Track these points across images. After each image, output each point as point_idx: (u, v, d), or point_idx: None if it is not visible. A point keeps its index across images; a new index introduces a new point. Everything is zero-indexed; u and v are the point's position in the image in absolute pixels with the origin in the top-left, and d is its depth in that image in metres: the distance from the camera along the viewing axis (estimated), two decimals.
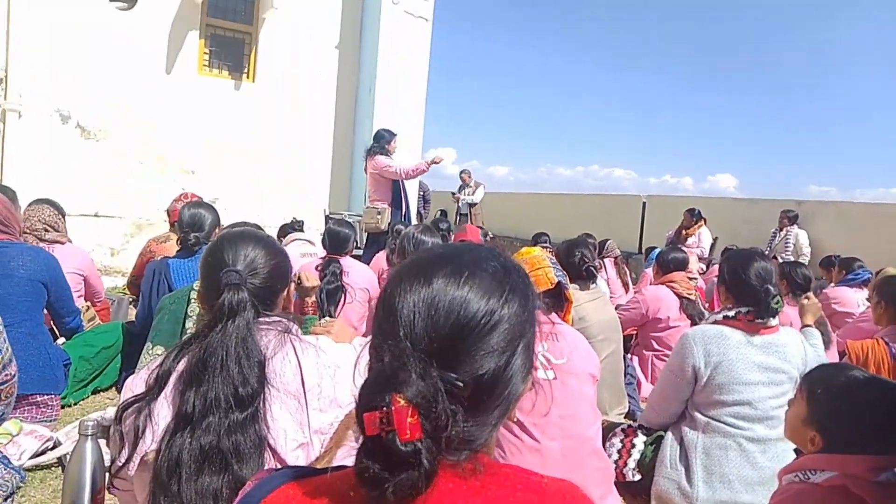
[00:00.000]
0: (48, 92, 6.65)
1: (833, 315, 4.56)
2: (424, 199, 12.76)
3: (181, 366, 1.30)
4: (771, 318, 2.39)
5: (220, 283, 1.36)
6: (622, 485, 2.50)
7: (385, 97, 7.79)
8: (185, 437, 1.22)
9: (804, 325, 2.88)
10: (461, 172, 12.00)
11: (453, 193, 12.04)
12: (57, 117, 6.75)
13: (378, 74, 7.74)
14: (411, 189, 7.35)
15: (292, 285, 1.64)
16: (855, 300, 4.79)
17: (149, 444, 1.26)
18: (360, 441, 0.71)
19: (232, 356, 1.27)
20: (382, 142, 6.36)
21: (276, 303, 1.52)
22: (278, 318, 1.45)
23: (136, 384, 1.36)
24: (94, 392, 3.23)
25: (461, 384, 0.70)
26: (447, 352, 0.72)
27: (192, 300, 2.17)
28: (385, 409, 0.66)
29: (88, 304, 3.53)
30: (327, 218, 7.28)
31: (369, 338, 1.60)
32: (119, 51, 6.95)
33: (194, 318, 2.15)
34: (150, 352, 2.21)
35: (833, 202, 8.97)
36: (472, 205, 11.37)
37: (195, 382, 1.26)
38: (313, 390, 1.35)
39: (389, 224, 6.13)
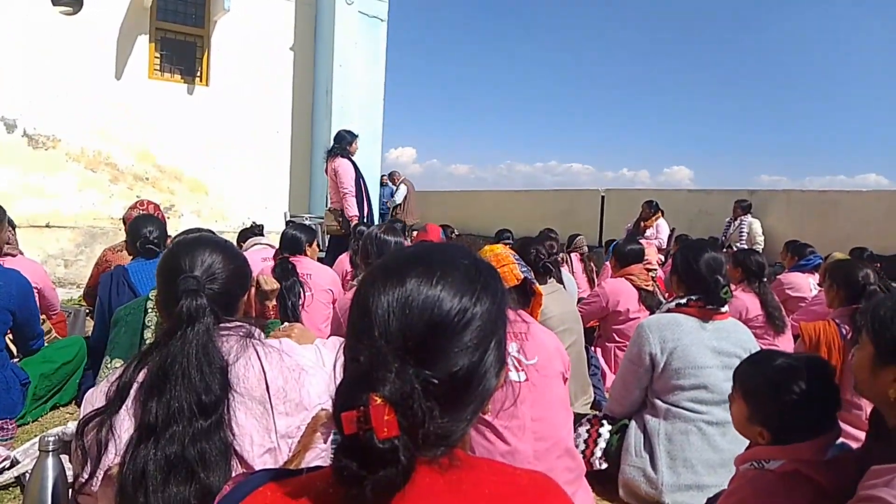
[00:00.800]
0: None
1: (787, 300, 4.71)
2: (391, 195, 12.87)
3: (141, 376, 1.28)
4: (721, 306, 2.47)
5: (178, 289, 1.34)
6: (590, 474, 2.55)
7: (342, 98, 7.75)
8: (149, 448, 1.20)
9: None
10: (390, 174, 12.16)
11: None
12: (2, 126, 6.54)
13: (334, 75, 7.70)
14: (373, 189, 7.32)
15: (253, 289, 1.63)
16: (807, 284, 4.96)
17: (112, 458, 1.24)
18: (336, 440, 0.72)
19: (193, 364, 1.25)
20: (343, 143, 6.31)
21: (236, 308, 1.51)
22: (239, 323, 1.44)
23: (95, 397, 1.34)
24: (54, 408, 3.15)
25: (436, 381, 0.72)
26: (422, 350, 0.73)
27: (150, 310, 2.12)
28: (362, 407, 0.68)
29: (44, 317, 3.44)
30: (288, 222, 7.21)
31: (334, 338, 1.61)
32: (66, 56, 6.77)
33: (152, 328, 2.11)
34: (109, 366, 2.15)
35: (784, 191, 9.24)
36: (395, 206, 11.43)
37: (157, 392, 1.24)
38: (278, 394, 1.34)
39: (351, 225, 6.09)
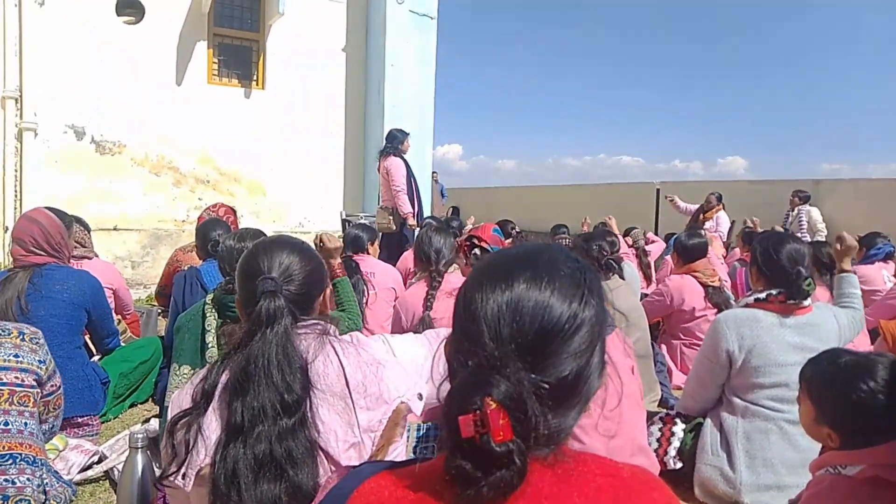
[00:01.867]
0: (62, 109, 6.72)
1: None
2: (441, 194, 12.89)
3: (225, 377, 1.31)
4: (803, 300, 2.38)
5: (257, 291, 1.36)
6: (664, 473, 2.51)
7: (394, 97, 7.80)
8: (237, 447, 1.23)
9: (841, 271, 2.77)
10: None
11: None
12: (72, 134, 6.81)
13: (386, 75, 7.74)
14: (424, 187, 7.35)
15: (328, 290, 1.65)
16: (881, 276, 4.75)
17: (202, 457, 1.27)
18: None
19: (274, 364, 1.27)
20: (395, 142, 6.37)
21: (313, 308, 1.52)
22: (315, 321, 1.46)
23: (182, 399, 1.37)
24: (132, 405, 3.27)
25: (547, 385, 0.73)
26: (533, 355, 0.74)
27: (207, 314, 2.18)
28: (478, 411, 0.69)
29: (119, 317, 3.58)
30: (344, 221, 7.31)
31: (406, 335, 1.60)
32: (129, 64, 6.99)
33: (212, 331, 2.16)
34: (178, 372, 2.22)
35: (850, 179, 8.91)
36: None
37: (240, 393, 1.27)
38: (358, 389, 1.35)
39: (407, 223, 6.15)
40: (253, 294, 1.37)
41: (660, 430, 2.57)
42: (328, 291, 1.64)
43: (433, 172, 13.01)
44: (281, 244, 1.53)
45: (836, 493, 1.40)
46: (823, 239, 7.38)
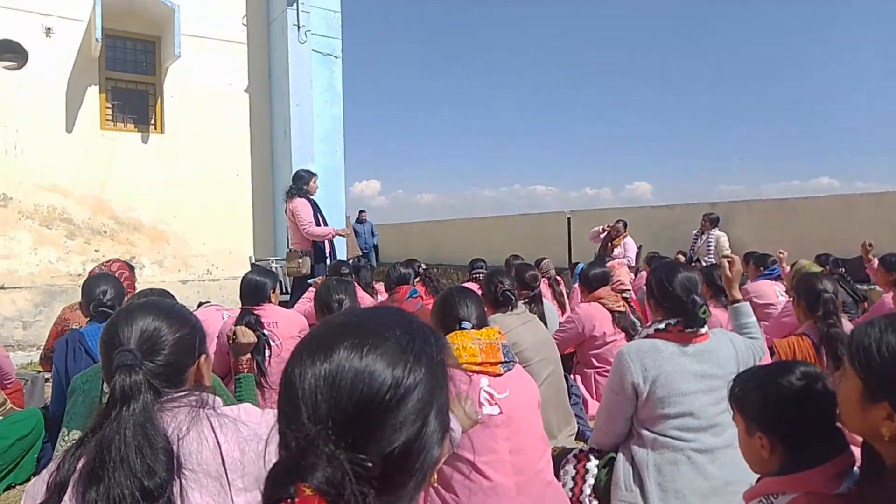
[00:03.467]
0: None
1: (755, 308, 4.70)
2: (372, 233, 12.80)
3: (81, 464, 1.18)
4: (700, 327, 2.43)
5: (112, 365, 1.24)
6: None
7: (301, 137, 7.68)
8: None
9: (733, 301, 2.83)
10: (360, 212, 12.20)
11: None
12: None
13: (292, 115, 7.62)
14: (336, 226, 7.23)
15: (203, 357, 1.50)
16: (773, 292, 5.01)
17: None
18: None
19: (131, 446, 1.15)
20: (301, 182, 6.22)
21: (184, 379, 1.40)
22: (188, 392, 1.33)
23: (37, 489, 1.23)
24: (8, 488, 2.94)
25: (370, 464, 0.67)
26: (353, 431, 0.68)
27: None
28: (290, 500, 0.64)
29: None
30: (253, 266, 7.06)
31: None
32: (13, 112, 6.60)
33: None
34: (66, 438, 2.04)
35: (744, 201, 9.42)
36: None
37: (94, 481, 1.13)
38: (235, 468, 1.24)
39: (314, 265, 6.00)
40: (111, 368, 1.25)
41: (574, 467, 2.54)
42: (202, 360, 1.50)
43: (361, 211, 12.92)
44: (146, 309, 1.40)
45: None
46: None
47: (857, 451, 1.37)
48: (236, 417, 1.32)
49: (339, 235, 6.36)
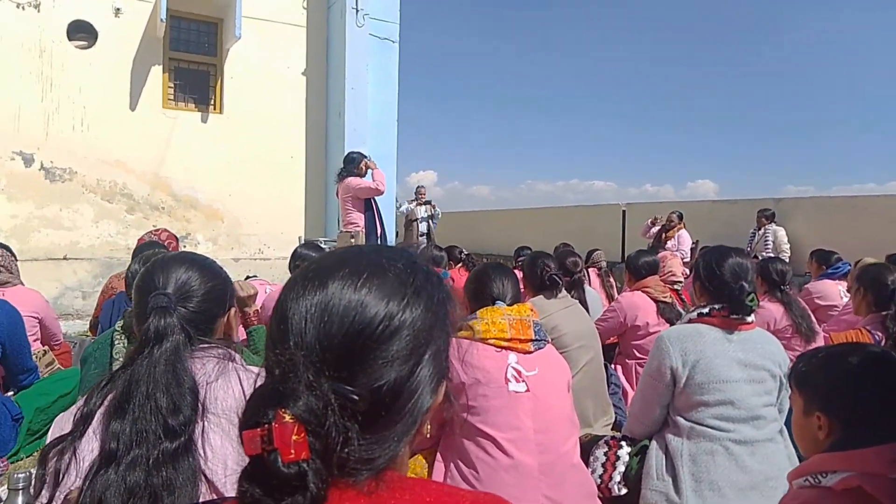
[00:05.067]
0: (9, 135, 6.53)
1: (817, 309, 4.50)
2: (433, 219, 12.27)
3: (110, 398, 1.21)
4: (747, 315, 2.30)
5: (148, 307, 1.28)
6: (609, 501, 2.38)
7: (355, 121, 7.72)
8: (109, 473, 1.13)
9: None
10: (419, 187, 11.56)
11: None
12: (20, 160, 6.61)
13: (346, 98, 7.66)
14: (386, 210, 7.25)
15: (233, 311, 1.54)
16: (836, 292, 4.74)
17: (72, 481, 1.17)
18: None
19: (160, 384, 1.18)
20: (352, 165, 6.27)
21: (213, 329, 1.44)
22: (216, 344, 1.37)
23: (64, 423, 1.28)
24: None
25: (356, 397, 0.63)
26: (342, 361, 0.65)
27: (116, 341, 2.04)
28: (267, 425, 0.60)
29: (46, 348, 3.37)
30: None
31: None
32: (82, 89, 6.85)
33: (120, 359, 2.02)
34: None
35: (810, 198, 9.01)
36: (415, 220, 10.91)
37: (120, 414, 1.17)
38: None
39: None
40: (146, 311, 1.30)
41: (605, 454, 2.45)
42: (233, 313, 1.54)
43: (419, 187, 12.48)
44: (180, 260, 1.45)
45: None
46: (787, 258, 7.39)
47: None
48: (261, 374, 1.33)
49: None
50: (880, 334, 2.61)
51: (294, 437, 0.59)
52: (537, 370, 2.13)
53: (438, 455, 2.11)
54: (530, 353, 2.16)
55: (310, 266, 0.75)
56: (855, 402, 1.30)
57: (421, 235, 10.88)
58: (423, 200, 11.04)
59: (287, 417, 0.60)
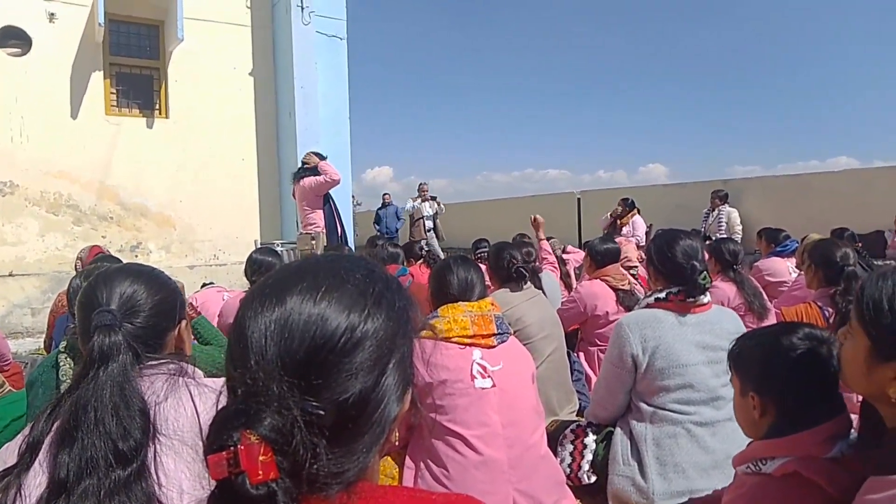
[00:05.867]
0: None
1: (767, 286, 4.63)
2: (398, 216, 12.33)
3: (56, 425, 1.15)
4: (702, 296, 2.35)
5: (91, 326, 1.22)
6: (579, 489, 2.42)
7: (306, 120, 7.61)
8: None
9: None
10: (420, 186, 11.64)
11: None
12: None
13: (296, 98, 7.54)
14: (344, 209, 7.18)
15: (184, 323, 1.48)
16: (786, 269, 4.89)
17: None
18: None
19: (107, 407, 1.12)
20: (309, 166, 6.19)
21: (164, 344, 1.38)
22: (167, 360, 1.31)
23: (8, 454, 1.20)
24: None
25: (322, 412, 0.62)
26: (304, 376, 0.64)
27: (62, 363, 1.97)
28: (233, 448, 0.59)
29: None
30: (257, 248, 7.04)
31: None
32: (18, 99, 6.59)
33: (67, 381, 1.95)
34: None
35: (758, 178, 9.25)
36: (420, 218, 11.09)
37: (68, 442, 1.10)
38: None
39: (326, 247, 5.96)
40: (90, 329, 1.22)
41: (572, 443, 2.48)
42: (184, 325, 1.48)
43: (385, 194, 12.56)
44: (124, 272, 1.39)
45: (757, 497, 1.28)
46: (739, 238, 7.58)
47: (854, 418, 1.30)
48: (217, 388, 1.29)
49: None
50: (830, 309, 2.70)
51: (261, 458, 0.58)
52: (502, 364, 2.14)
53: (408, 456, 2.10)
54: (494, 347, 2.18)
55: (266, 281, 0.73)
56: (787, 384, 1.33)
57: (427, 231, 11.05)
58: (427, 197, 11.15)
59: (253, 438, 0.59)
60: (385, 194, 12.85)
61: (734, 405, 1.50)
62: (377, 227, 12.16)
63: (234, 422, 0.61)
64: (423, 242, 8.62)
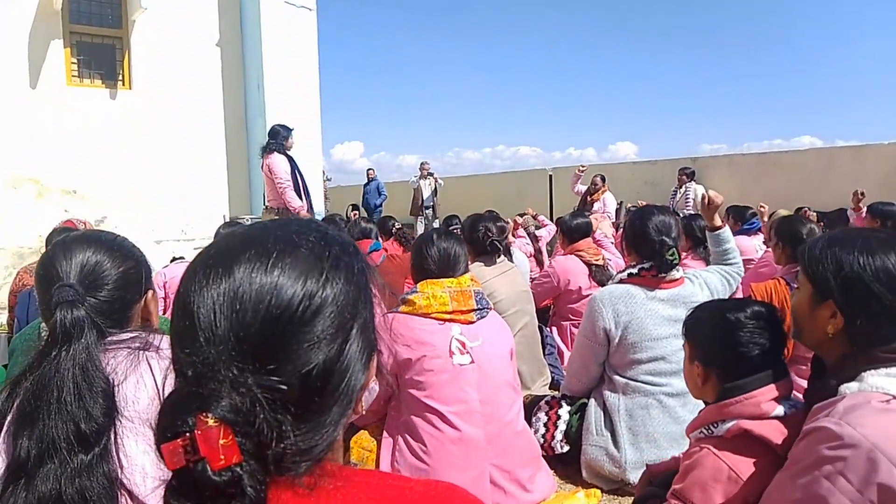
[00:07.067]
0: None
1: None
2: (379, 192, 12.47)
3: (15, 405, 1.10)
4: (672, 271, 2.39)
5: (51, 301, 1.15)
6: (551, 458, 2.47)
7: (275, 92, 7.46)
8: (18, 490, 1.02)
9: (713, 229, 2.69)
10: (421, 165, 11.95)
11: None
12: None
13: (265, 69, 7.39)
14: (314, 183, 7.11)
15: (151, 294, 1.41)
16: (752, 246, 4.99)
17: None
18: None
19: (69, 388, 1.07)
20: (279, 138, 6.08)
21: (129, 317, 1.32)
22: (132, 335, 1.24)
23: None
24: None
25: (285, 387, 0.59)
26: (263, 351, 0.59)
27: (44, 331, 1.93)
28: (188, 434, 0.55)
29: None
30: (224, 224, 6.93)
31: None
32: None
33: None
34: None
35: (725, 156, 9.39)
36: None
37: (28, 424, 1.05)
38: None
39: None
40: (50, 305, 1.15)
41: (546, 414, 2.53)
42: (150, 295, 1.40)
43: (369, 170, 12.72)
44: (85, 241, 1.30)
45: (709, 459, 1.34)
46: None
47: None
48: None
49: (304, 215, 6.02)
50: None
51: (222, 442, 0.54)
52: (481, 340, 2.16)
53: (385, 431, 2.12)
54: (473, 322, 2.18)
55: (209, 250, 0.67)
56: (727, 360, 1.42)
57: (427, 208, 11.46)
58: (426, 173, 11.55)
59: (210, 421, 0.55)
60: (369, 169, 13.00)
61: (684, 369, 1.57)
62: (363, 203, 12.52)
63: (187, 406, 0.57)
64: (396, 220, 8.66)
